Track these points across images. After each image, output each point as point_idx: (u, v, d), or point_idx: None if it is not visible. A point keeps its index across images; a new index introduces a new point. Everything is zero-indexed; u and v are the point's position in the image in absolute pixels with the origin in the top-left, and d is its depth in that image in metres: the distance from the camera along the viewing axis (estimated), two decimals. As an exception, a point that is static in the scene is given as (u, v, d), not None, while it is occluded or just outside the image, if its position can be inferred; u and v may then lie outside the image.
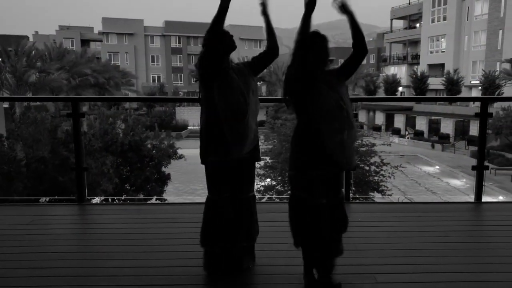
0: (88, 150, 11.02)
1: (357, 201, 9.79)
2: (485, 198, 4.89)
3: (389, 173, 17.37)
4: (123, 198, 13.22)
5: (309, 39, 2.63)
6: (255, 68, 3.08)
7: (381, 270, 3.10)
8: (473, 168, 4.86)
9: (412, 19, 57.11)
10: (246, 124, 2.85)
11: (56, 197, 9.57)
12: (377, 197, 16.57)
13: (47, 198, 9.47)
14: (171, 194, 19.18)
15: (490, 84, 36.80)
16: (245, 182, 3.07)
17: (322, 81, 2.65)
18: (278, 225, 3.47)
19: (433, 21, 49.45)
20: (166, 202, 10.86)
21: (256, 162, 3.14)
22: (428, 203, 5.47)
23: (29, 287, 2.94)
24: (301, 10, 2.64)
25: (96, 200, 9.78)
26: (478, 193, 4.83)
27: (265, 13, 2.97)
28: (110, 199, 11.82)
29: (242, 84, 2.86)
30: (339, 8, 2.65)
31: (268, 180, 16.80)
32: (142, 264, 3.25)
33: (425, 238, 3.74)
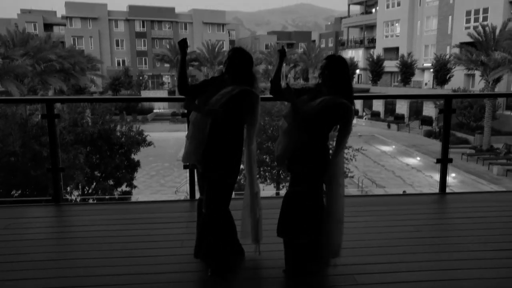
0: (59, 143, 10.80)
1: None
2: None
3: (350, 156, 18.32)
4: (95, 197, 13.05)
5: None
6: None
7: (360, 270, 3.19)
8: (438, 161, 5.08)
9: (368, 4, 59.82)
10: None
11: (27, 192, 9.36)
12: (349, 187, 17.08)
13: (19, 192, 9.27)
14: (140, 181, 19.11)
15: (441, 67, 39.16)
16: None
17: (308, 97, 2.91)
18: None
19: (388, 6, 51.67)
20: (145, 200, 10.80)
21: None
22: (397, 195, 5.67)
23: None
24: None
25: (72, 197, 9.59)
26: (443, 185, 5.07)
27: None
28: (81, 196, 11.58)
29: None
30: None
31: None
32: (125, 271, 3.20)
33: (399, 234, 3.91)
